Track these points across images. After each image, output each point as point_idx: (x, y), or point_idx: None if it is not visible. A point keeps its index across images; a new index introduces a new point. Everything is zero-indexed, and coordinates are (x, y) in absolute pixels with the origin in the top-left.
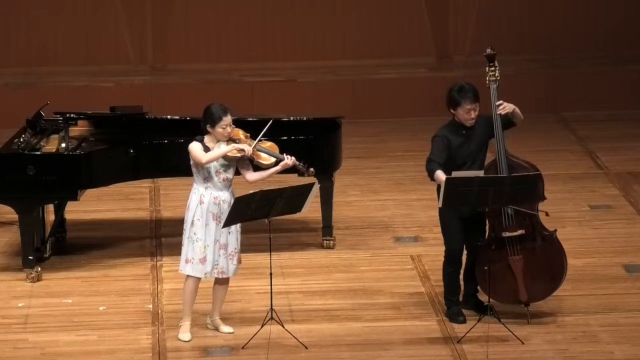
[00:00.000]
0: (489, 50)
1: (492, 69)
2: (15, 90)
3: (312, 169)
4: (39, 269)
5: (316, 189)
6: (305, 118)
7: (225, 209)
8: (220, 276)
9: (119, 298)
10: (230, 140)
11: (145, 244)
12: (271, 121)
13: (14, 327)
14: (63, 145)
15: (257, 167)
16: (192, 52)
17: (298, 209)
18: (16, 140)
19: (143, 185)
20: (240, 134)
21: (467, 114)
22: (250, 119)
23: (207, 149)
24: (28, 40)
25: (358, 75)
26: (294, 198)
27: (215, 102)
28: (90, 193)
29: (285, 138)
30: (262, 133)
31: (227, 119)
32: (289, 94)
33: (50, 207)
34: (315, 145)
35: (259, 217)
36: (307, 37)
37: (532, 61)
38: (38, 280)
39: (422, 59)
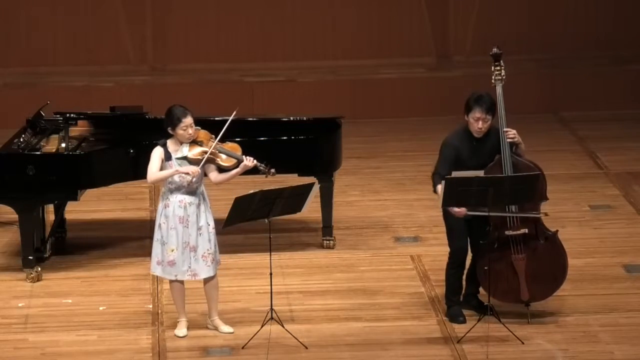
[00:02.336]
0: (495, 50)
1: (498, 68)
2: (15, 90)
3: (273, 170)
4: (39, 269)
5: (316, 189)
6: (305, 118)
7: (192, 211)
8: (192, 278)
9: (119, 298)
10: (193, 142)
11: (145, 244)
12: (228, 122)
13: (14, 327)
14: (63, 145)
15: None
16: (192, 52)
17: (298, 209)
18: (16, 140)
19: (143, 185)
20: (203, 135)
21: (476, 122)
22: (250, 119)
23: (168, 154)
24: (28, 40)
25: (358, 75)
26: (294, 198)
27: (176, 104)
28: (90, 193)
29: (285, 138)
30: (221, 134)
31: (187, 120)
32: (289, 94)
33: (50, 207)
34: (315, 145)
35: (259, 217)
36: (307, 37)
37: (532, 61)
38: (38, 280)
39: (422, 59)
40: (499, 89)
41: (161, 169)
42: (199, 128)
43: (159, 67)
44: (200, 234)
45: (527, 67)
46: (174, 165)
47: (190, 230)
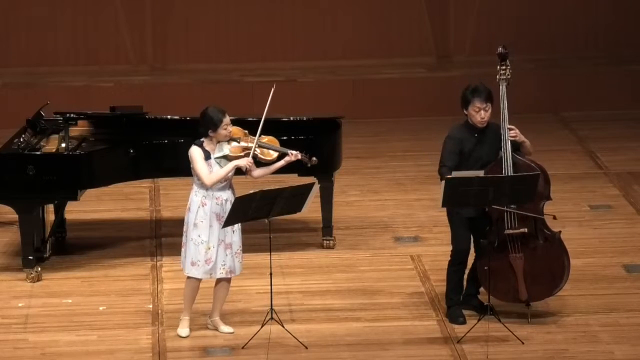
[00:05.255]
0: (501, 49)
1: (504, 67)
2: (15, 90)
3: (314, 158)
4: (39, 269)
5: (316, 188)
6: (305, 118)
7: (228, 208)
8: (228, 275)
9: (119, 298)
10: (231, 139)
11: (145, 244)
12: (264, 115)
13: (14, 327)
14: (63, 145)
15: (260, 162)
16: (192, 52)
17: (298, 209)
18: (16, 140)
19: (143, 185)
20: (237, 132)
21: (477, 113)
22: (250, 119)
23: (207, 154)
24: (28, 40)
25: (358, 75)
26: (294, 198)
27: (210, 105)
28: (90, 193)
29: (285, 138)
30: (260, 129)
31: (227, 119)
32: (289, 94)
33: (50, 207)
34: (315, 145)
35: (259, 217)
36: (307, 37)
37: (532, 61)
38: (38, 280)
39: (422, 59)
40: (502, 88)
41: None
42: (231, 125)
43: (159, 67)
44: (234, 231)
45: (527, 67)
46: (212, 164)
47: (222, 228)
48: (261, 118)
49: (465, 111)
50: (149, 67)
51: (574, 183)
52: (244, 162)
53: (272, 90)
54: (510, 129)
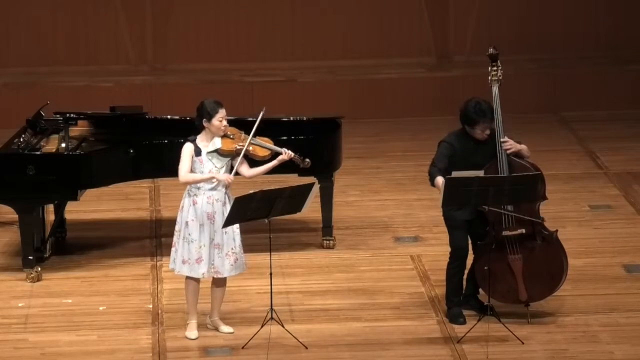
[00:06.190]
0: (491, 50)
1: (495, 69)
2: (15, 90)
3: (307, 160)
4: (39, 269)
5: (316, 189)
6: (305, 118)
7: (219, 208)
8: (215, 276)
9: (119, 298)
10: (225, 136)
11: (145, 244)
12: (262, 113)
13: (14, 327)
14: (63, 145)
15: (253, 162)
16: (192, 52)
17: (298, 209)
18: (16, 140)
19: (143, 185)
20: (232, 130)
21: (483, 132)
22: (250, 119)
23: (198, 150)
24: (28, 40)
25: (358, 75)
26: (294, 198)
27: (207, 98)
28: (90, 193)
29: (285, 138)
30: (256, 126)
31: (223, 111)
32: (289, 94)
33: (50, 207)
34: (315, 145)
35: (259, 217)
36: (307, 37)
37: (532, 61)
38: (38, 280)
39: (422, 59)
40: (495, 90)
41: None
42: (227, 125)
43: (159, 67)
44: (225, 232)
45: (527, 67)
46: (204, 161)
47: (216, 227)
48: (263, 120)
49: (465, 126)
50: (149, 67)
51: (574, 183)
52: (223, 178)
53: (262, 113)
54: (504, 142)
